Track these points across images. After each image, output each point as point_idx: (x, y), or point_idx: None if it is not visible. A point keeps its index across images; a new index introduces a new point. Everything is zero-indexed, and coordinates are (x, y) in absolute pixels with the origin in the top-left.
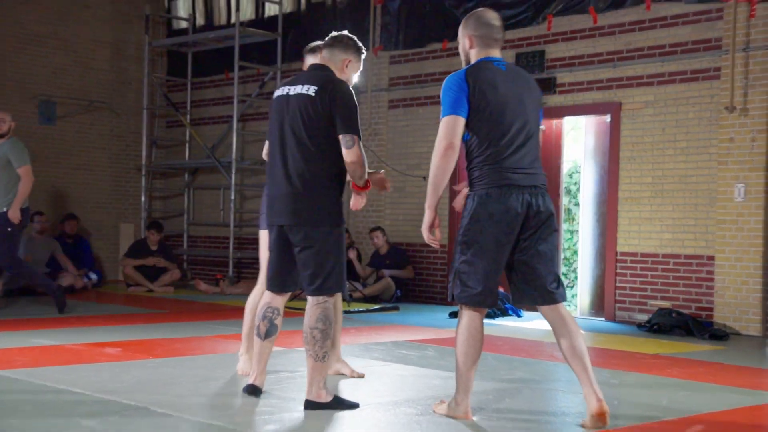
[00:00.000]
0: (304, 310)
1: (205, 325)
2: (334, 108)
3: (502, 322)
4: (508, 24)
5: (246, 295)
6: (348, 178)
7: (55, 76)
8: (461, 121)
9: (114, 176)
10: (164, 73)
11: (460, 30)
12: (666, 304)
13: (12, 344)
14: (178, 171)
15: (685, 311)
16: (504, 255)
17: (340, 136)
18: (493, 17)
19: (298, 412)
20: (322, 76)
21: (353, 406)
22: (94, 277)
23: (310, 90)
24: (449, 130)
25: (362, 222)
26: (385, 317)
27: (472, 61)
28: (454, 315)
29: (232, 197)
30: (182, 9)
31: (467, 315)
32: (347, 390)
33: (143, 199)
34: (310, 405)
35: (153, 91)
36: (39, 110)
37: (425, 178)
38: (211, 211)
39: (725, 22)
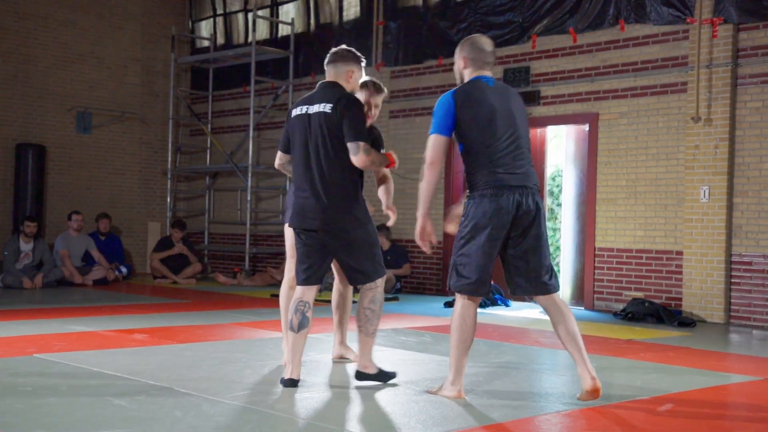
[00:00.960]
0: (327, 302)
1: (223, 314)
2: (343, 120)
3: (492, 311)
4: (497, 42)
5: (260, 286)
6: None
7: (91, 90)
8: (442, 140)
9: (143, 179)
10: (188, 87)
11: (457, 52)
12: (639, 294)
13: (50, 330)
14: (200, 175)
15: (657, 301)
16: (496, 249)
17: (348, 144)
18: (485, 43)
19: (308, 392)
20: (334, 93)
21: (393, 375)
22: (124, 270)
23: (326, 107)
24: (435, 148)
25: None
26: (386, 307)
27: (465, 79)
28: (448, 305)
29: (249, 198)
30: (204, 29)
31: (462, 303)
32: (353, 373)
33: (169, 200)
34: (360, 375)
35: (178, 103)
36: (76, 121)
37: None
38: (229, 211)
39: (690, 41)
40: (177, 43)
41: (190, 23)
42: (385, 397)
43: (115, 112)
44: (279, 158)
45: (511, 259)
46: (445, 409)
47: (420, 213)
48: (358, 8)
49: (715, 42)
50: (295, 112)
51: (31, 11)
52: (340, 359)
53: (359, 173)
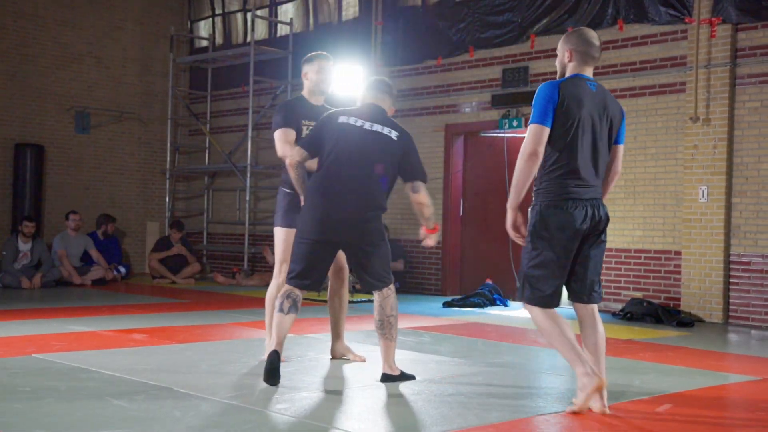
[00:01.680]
0: (325, 301)
1: (222, 314)
2: (408, 156)
3: (490, 311)
4: (495, 43)
5: (259, 286)
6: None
7: (90, 90)
8: (546, 131)
9: (141, 179)
10: (187, 87)
11: (561, 44)
12: (638, 294)
13: (49, 330)
14: (199, 174)
15: (655, 301)
16: (569, 261)
17: (413, 183)
18: (594, 36)
19: (306, 392)
20: (392, 122)
21: (413, 377)
22: (123, 270)
23: (392, 134)
24: (536, 138)
25: None
26: None
27: (567, 74)
28: (447, 305)
29: (247, 198)
30: (203, 29)
31: (538, 311)
32: (352, 372)
33: (167, 199)
34: (386, 378)
35: (177, 103)
36: (75, 120)
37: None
38: (228, 211)
39: (689, 41)
40: (176, 43)
41: (188, 23)
42: (383, 397)
43: (113, 111)
44: (300, 155)
45: (573, 265)
46: (444, 408)
47: (511, 205)
48: (357, 8)
49: (714, 42)
50: (344, 120)
51: (29, 11)
52: (339, 359)
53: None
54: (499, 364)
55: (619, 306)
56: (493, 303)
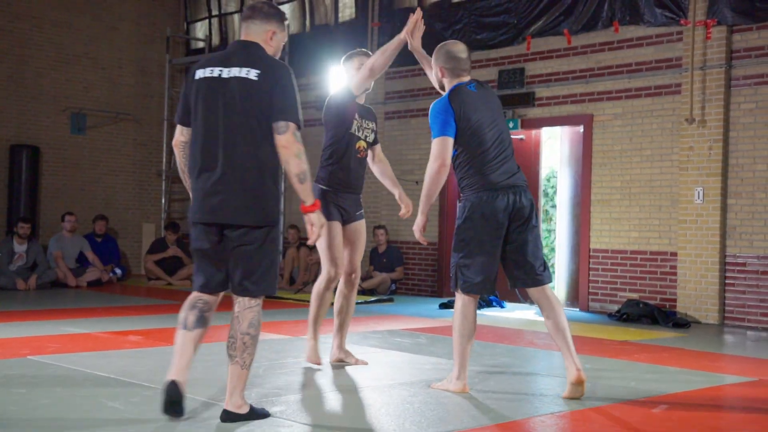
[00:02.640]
0: (308, 302)
1: (217, 315)
2: (272, 94)
3: (486, 312)
4: (492, 44)
5: None
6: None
7: (85, 91)
8: (450, 141)
9: (137, 181)
10: (183, 88)
11: (432, 60)
12: (634, 295)
13: (44, 332)
14: None
15: (651, 302)
16: (498, 248)
17: (274, 123)
18: (460, 50)
19: (304, 395)
20: (259, 56)
21: (266, 415)
22: (119, 272)
23: (252, 74)
24: (441, 150)
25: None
26: (382, 308)
27: (447, 87)
28: (443, 306)
29: None
30: (200, 30)
31: (462, 301)
32: (349, 375)
33: (163, 201)
34: (229, 416)
35: (173, 104)
36: (71, 121)
37: (418, 182)
38: None
39: (684, 43)
40: (172, 44)
41: (185, 24)
42: (381, 398)
43: (109, 113)
44: (180, 133)
45: (509, 254)
46: (441, 410)
47: (421, 210)
48: (353, 9)
49: (709, 44)
50: (202, 73)
51: (25, 12)
52: (339, 363)
53: (276, 163)
54: (495, 366)
55: (615, 307)
56: (488, 304)
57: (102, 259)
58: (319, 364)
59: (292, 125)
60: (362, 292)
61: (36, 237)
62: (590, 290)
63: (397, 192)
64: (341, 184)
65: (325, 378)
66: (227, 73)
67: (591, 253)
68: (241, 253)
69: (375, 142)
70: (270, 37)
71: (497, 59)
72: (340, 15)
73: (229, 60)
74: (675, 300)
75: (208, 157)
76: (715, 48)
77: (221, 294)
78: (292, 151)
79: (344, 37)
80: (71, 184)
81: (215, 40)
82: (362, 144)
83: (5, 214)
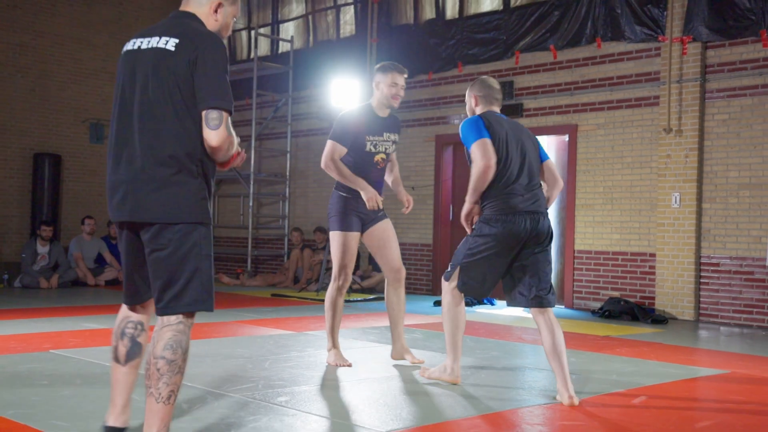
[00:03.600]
0: (323, 301)
1: (227, 312)
2: (196, 71)
3: (479, 309)
4: (482, 59)
5: (261, 286)
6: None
7: (103, 103)
8: (489, 142)
9: None
10: None
11: (468, 91)
12: (615, 293)
13: (66, 328)
14: None
15: (631, 300)
16: (503, 265)
17: (204, 112)
18: (494, 82)
19: (307, 387)
20: (184, 24)
21: None
22: None
23: (169, 43)
24: (484, 152)
25: None
26: (380, 305)
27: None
28: (438, 303)
29: (251, 204)
30: None
31: (452, 295)
32: (349, 368)
33: None
34: None
35: None
36: (90, 131)
37: (414, 188)
38: (232, 216)
39: (662, 58)
40: None
41: None
42: (378, 391)
43: None
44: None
45: (515, 272)
46: (435, 400)
47: (469, 199)
48: (353, 26)
49: (685, 59)
50: (124, 48)
51: (47, 30)
52: (400, 359)
53: (204, 152)
54: (486, 359)
55: (597, 305)
56: (480, 302)
57: (119, 259)
58: (348, 365)
59: (225, 115)
60: (361, 290)
61: (57, 239)
62: (575, 288)
63: (399, 189)
64: (362, 202)
65: (326, 371)
66: (147, 44)
67: (575, 254)
68: (155, 260)
69: (394, 150)
70: (215, 9)
71: (488, 73)
72: (341, 31)
73: (154, 30)
74: (653, 298)
75: (120, 144)
76: (691, 63)
77: (151, 306)
78: (226, 152)
79: (345, 52)
80: (90, 189)
81: None
82: (380, 156)
83: (29, 217)
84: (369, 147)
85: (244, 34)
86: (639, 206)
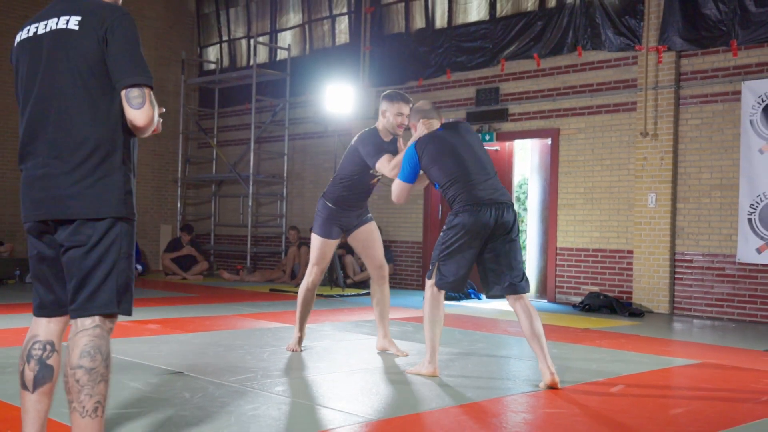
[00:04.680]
0: (320, 295)
1: (227, 306)
2: (109, 48)
3: (465, 303)
4: (469, 66)
5: (260, 282)
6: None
7: None
8: (408, 188)
9: (155, 187)
10: (196, 105)
11: (410, 118)
12: (595, 288)
13: None
14: (207, 183)
15: (610, 294)
16: (473, 255)
17: (124, 91)
18: (425, 104)
19: (303, 376)
20: (88, 3)
21: None
22: (139, 268)
23: (71, 22)
24: (400, 194)
25: None
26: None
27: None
28: None
29: (250, 203)
30: (211, 54)
31: (432, 291)
32: (343, 358)
33: (179, 205)
34: None
35: (187, 119)
36: None
37: None
38: (232, 215)
39: (639, 66)
40: (186, 66)
41: (198, 48)
42: (370, 381)
43: None
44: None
45: (486, 262)
46: (424, 390)
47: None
48: (348, 35)
49: (661, 67)
50: (19, 38)
51: None
52: (383, 351)
53: (127, 137)
54: (473, 351)
55: (578, 299)
56: (468, 296)
57: None
58: (298, 350)
59: (147, 91)
60: (354, 285)
61: None
62: (557, 284)
63: None
64: (347, 205)
65: (320, 363)
66: (43, 27)
67: (557, 251)
68: (71, 258)
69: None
70: None
71: (475, 79)
72: (336, 40)
73: (48, 12)
74: (631, 292)
75: (31, 138)
76: (666, 71)
77: (65, 321)
78: (150, 129)
79: (340, 60)
80: None
81: (225, 62)
82: (377, 179)
83: None
84: (373, 170)
85: (243, 42)
86: (617, 206)
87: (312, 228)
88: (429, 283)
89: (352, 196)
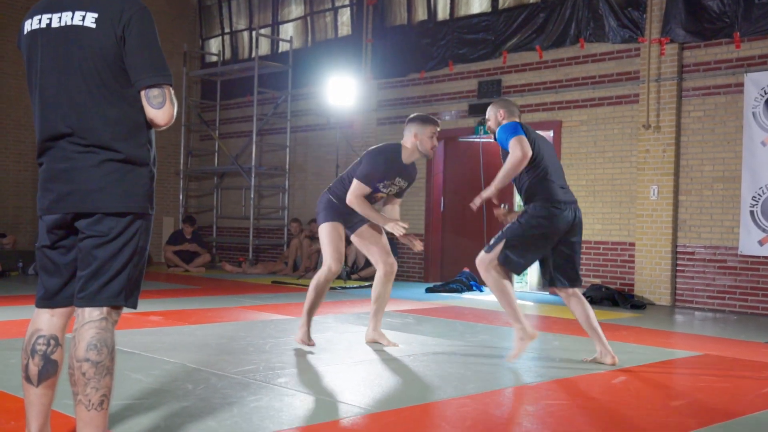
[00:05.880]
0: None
1: (230, 298)
2: (127, 46)
3: (467, 296)
4: (472, 58)
5: (262, 274)
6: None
7: None
8: (526, 139)
9: (158, 179)
10: (199, 97)
11: (491, 109)
12: (597, 280)
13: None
14: (209, 175)
15: (612, 286)
16: (547, 248)
17: (144, 91)
18: (512, 101)
19: (306, 368)
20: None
21: None
22: None
23: (87, 19)
24: (522, 146)
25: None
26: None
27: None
28: (429, 290)
29: (252, 196)
30: (213, 46)
31: (497, 270)
32: (344, 351)
33: (181, 197)
34: None
35: (189, 112)
36: None
37: None
38: (235, 207)
39: (642, 58)
40: (189, 58)
41: (200, 41)
42: (373, 372)
43: None
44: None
45: (556, 256)
46: (426, 381)
47: (495, 184)
48: (350, 27)
49: (663, 59)
50: (29, 26)
51: None
52: (373, 343)
53: (148, 132)
54: (475, 343)
55: (580, 291)
56: (469, 289)
57: None
58: (311, 344)
59: (167, 91)
60: (360, 279)
61: None
62: None
63: (390, 210)
64: (349, 209)
65: (322, 354)
66: (57, 20)
67: None
68: (89, 246)
69: (398, 195)
70: None
71: (477, 72)
72: (338, 32)
73: (61, 2)
74: (633, 285)
75: (51, 133)
76: (669, 63)
77: (67, 315)
78: (168, 123)
79: (342, 51)
80: None
81: (227, 54)
82: (382, 195)
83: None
84: (380, 186)
85: (245, 34)
86: (619, 198)
87: (319, 222)
88: (488, 262)
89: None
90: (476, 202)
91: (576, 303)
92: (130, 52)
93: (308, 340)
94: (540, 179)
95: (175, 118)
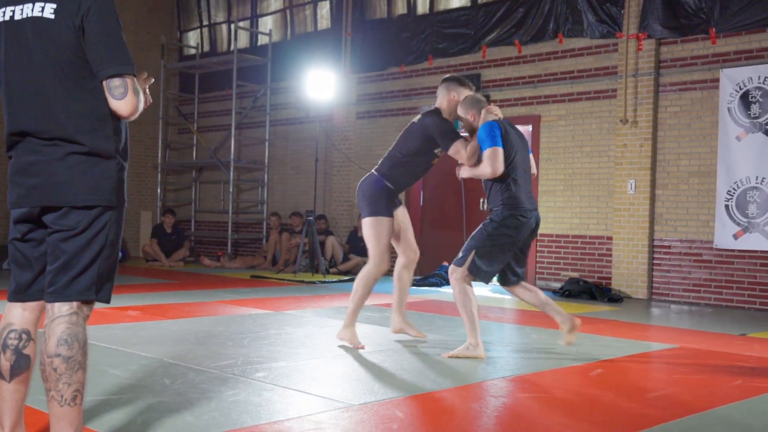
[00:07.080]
0: (289, 281)
1: (208, 293)
2: (86, 34)
3: (446, 290)
4: (451, 52)
5: (241, 268)
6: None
7: None
8: (501, 152)
9: (136, 173)
10: (177, 90)
11: (461, 108)
12: (575, 274)
13: None
14: (187, 168)
15: (590, 280)
16: (510, 255)
17: (105, 81)
18: (479, 95)
19: (284, 363)
20: None
21: None
22: (120, 254)
23: (46, 10)
24: (494, 161)
25: (342, 212)
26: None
27: (480, 125)
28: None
29: (231, 190)
30: (192, 39)
31: (464, 282)
32: (324, 344)
33: (159, 191)
34: None
35: (167, 105)
36: None
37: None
38: (213, 201)
39: (619, 53)
40: (166, 50)
41: (178, 33)
42: (351, 366)
43: None
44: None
45: (517, 256)
46: (405, 375)
47: (464, 176)
48: (329, 20)
49: (641, 54)
50: None
51: None
52: (400, 333)
53: (116, 123)
54: (454, 337)
55: (558, 285)
56: (448, 283)
57: None
58: (362, 347)
59: (129, 81)
60: (339, 272)
61: None
62: (537, 270)
63: None
64: (403, 187)
65: (301, 349)
66: (20, 12)
67: (538, 238)
68: (57, 241)
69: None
70: None
71: (456, 66)
72: (318, 25)
73: None
74: (610, 278)
75: (18, 127)
76: (646, 58)
77: (40, 309)
78: (136, 114)
79: (321, 45)
80: None
81: (205, 47)
82: (437, 159)
83: None
84: (438, 150)
85: (224, 27)
86: (597, 192)
87: (369, 212)
88: (460, 272)
89: (410, 177)
90: (460, 174)
91: (522, 290)
92: (90, 42)
93: (358, 342)
94: (507, 186)
95: (142, 109)
